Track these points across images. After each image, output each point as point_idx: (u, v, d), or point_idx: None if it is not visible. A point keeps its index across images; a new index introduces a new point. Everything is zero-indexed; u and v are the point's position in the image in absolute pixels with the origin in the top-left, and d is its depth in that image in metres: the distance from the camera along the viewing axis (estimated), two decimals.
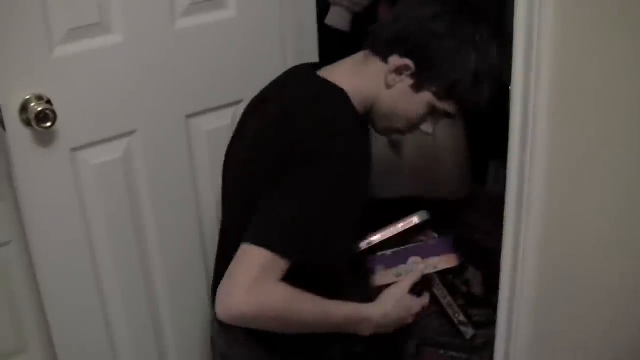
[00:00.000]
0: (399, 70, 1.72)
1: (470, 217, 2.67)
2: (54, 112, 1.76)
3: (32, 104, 1.75)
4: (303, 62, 2.05)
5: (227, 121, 2.13)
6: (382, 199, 2.52)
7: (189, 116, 2.06)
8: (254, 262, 1.56)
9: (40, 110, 1.74)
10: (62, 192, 1.91)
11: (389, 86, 1.74)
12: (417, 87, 1.74)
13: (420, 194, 2.60)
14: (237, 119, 2.08)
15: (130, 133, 1.97)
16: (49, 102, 1.77)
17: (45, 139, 1.83)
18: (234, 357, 1.82)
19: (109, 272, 2.05)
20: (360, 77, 1.76)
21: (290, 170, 1.61)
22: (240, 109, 2.12)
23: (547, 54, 1.47)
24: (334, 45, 2.28)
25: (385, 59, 1.73)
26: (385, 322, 1.78)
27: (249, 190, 1.72)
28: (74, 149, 1.88)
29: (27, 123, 1.77)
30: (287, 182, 1.61)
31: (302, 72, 1.86)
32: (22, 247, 2.02)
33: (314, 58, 2.31)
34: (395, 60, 1.72)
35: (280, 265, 1.57)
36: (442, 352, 2.55)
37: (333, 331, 1.69)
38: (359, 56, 1.78)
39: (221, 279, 1.63)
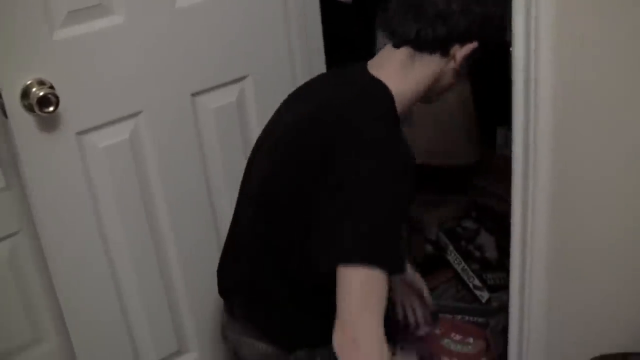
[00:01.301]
0: (466, 57, 1.69)
1: (481, 182, 2.65)
2: (56, 96, 1.73)
3: (34, 89, 1.72)
4: (308, 37, 2.11)
5: (232, 98, 2.11)
6: None
7: (194, 94, 2.03)
8: (353, 284, 1.50)
9: (42, 95, 1.72)
10: (69, 177, 1.89)
11: (452, 72, 1.72)
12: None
13: (432, 161, 2.59)
14: (243, 95, 2.09)
15: (136, 114, 1.94)
16: (51, 86, 1.74)
17: (49, 124, 1.80)
18: (245, 346, 1.81)
19: (121, 255, 2.04)
20: (409, 75, 1.70)
21: (344, 172, 1.54)
22: (246, 84, 2.12)
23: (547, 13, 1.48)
24: (337, 20, 2.26)
25: (445, 53, 1.68)
26: None
27: (293, 186, 1.64)
28: (80, 133, 1.86)
29: (30, 109, 1.74)
30: (347, 189, 1.53)
31: (355, 69, 1.77)
32: (32, 236, 2.00)
33: (317, 33, 2.30)
34: (459, 51, 1.68)
35: (380, 277, 1.51)
36: (459, 317, 2.55)
37: None
38: (403, 55, 1.69)
39: (227, 263, 1.75)
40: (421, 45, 1.67)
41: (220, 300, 2.11)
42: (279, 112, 1.83)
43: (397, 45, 1.70)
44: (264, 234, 1.68)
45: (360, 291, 1.49)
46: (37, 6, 1.71)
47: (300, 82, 2.14)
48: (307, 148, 1.62)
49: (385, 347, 1.51)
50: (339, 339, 1.49)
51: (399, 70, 1.69)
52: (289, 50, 2.19)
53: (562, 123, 1.57)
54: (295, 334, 1.72)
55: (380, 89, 1.66)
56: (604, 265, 1.67)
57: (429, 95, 1.77)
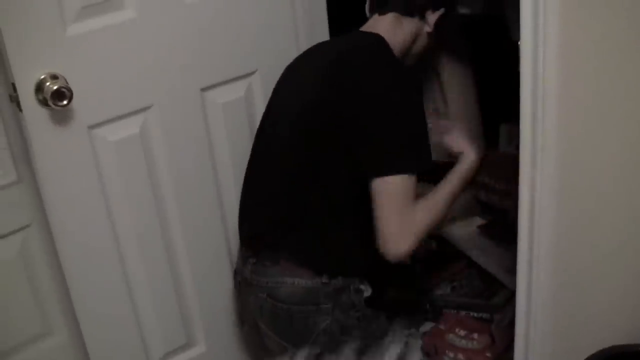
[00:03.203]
0: (436, 21, 2.04)
1: (484, 178, 2.65)
2: (69, 90, 1.76)
3: (48, 83, 1.75)
4: (315, 32, 2.23)
5: (241, 93, 2.13)
6: None
7: (203, 89, 2.05)
8: (393, 194, 1.77)
9: (56, 89, 1.74)
10: (81, 171, 1.90)
11: (426, 34, 2.06)
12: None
13: (436, 157, 2.60)
14: (252, 91, 2.13)
15: (147, 108, 1.96)
16: (64, 80, 1.76)
17: (62, 118, 1.82)
18: (283, 287, 1.87)
19: (130, 249, 2.05)
20: (397, 32, 2.01)
21: (369, 101, 1.81)
22: (254, 79, 2.13)
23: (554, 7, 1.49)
24: (343, 12, 2.29)
25: (422, 17, 2.04)
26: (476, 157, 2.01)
27: (318, 125, 1.86)
28: (91, 127, 1.88)
29: (44, 103, 1.76)
30: (373, 112, 1.79)
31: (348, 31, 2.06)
32: (43, 229, 2.01)
33: (324, 30, 2.34)
34: (431, 15, 2.04)
35: (413, 181, 1.78)
36: (463, 313, 2.56)
37: (460, 193, 1.97)
38: (391, 19, 2.02)
39: (255, 208, 1.96)
40: (407, 10, 2.01)
41: (230, 293, 2.15)
42: (291, 71, 2.04)
43: (384, 12, 2.01)
44: (303, 165, 1.87)
45: (403, 194, 1.77)
46: (51, 2, 1.73)
47: None
48: (337, 85, 1.84)
49: (420, 205, 1.82)
50: (393, 252, 1.78)
51: (390, 29, 1.99)
52: (296, 47, 2.20)
53: (569, 117, 1.57)
54: (337, 261, 1.86)
55: (379, 38, 1.95)
56: (612, 255, 1.67)
57: (409, 53, 2.06)
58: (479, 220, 2.62)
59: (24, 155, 1.90)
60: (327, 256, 1.86)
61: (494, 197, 2.55)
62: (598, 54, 1.50)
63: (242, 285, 2.00)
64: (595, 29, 1.49)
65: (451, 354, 2.45)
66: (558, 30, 1.50)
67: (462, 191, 1.98)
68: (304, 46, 2.21)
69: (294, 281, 1.86)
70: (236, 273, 2.05)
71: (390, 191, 1.77)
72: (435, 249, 2.77)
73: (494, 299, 2.53)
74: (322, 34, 2.34)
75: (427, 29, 2.05)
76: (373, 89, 1.82)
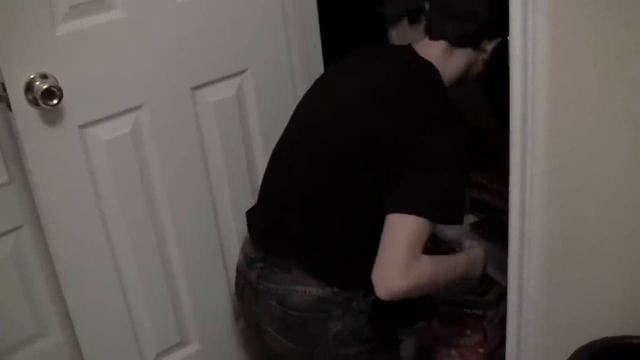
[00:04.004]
0: (494, 49, 1.98)
1: (476, 176, 2.65)
2: (59, 89, 1.76)
3: (37, 83, 1.74)
4: (305, 31, 2.21)
5: (232, 91, 2.13)
6: None
7: (194, 88, 2.05)
8: (405, 230, 1.75)
9: (46, 88, 1.74)
10: (72, 170, 1.90)
11: (482, 62, 2.01)
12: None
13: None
14: (243, 90, 2.13)
15: (138, 107, 1.96)
16: (54, 80, 1.76)
17: (52, 117, 1.82)
18: (295, 294, 1.87)
19: (123, 248, 2.05)
20: (450, 62, 1.96)
21: (416, 137, 1.78)
22: (246, 78, 2.13)
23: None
24: (334, 12, 2.29)
25: (476, 47, 1.97)
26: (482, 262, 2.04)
27: (358, 149, 1.83)
28: (82, 126, 1.88)
29: (34, 102, 1.76)
30: (419, 150, 1.78)
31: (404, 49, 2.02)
32: (35, 230, 2.01)
33: (315, 29, 2.33)
34: (488, 44, 1.97)
35: (428, 228, 1.76)
36: (457, 309, 2.57)
37: (459, 280, 1.97)
38: (442, 47, 1.95)
39: (275, 215, 1.94)
40: (456, 41, 1.94)
41: (223, 291, 2.15)
42: (332, 81, 2.02)
43: (434, 39, 1.96)
44: (331, 180, 1.85)
45: (419, 236, 1.76)
46: (40, 1, 1.73)
47: (299, 76, 2.19)
48: (392, 113, 1.82)
49: (428, 259, 1.80)
50: (388, 290, 1.76)
51: (441, 58, 1.94)
52: (287, 45, 2.21)
53: (558, 111, 1.58)
54: (349, 275, 1.85)
55: (435, 71, 1.92)
56: (602, 247, 1.67)
57: (459, 82, 2.01)
58: (472, 218, 2.63)
59: (15, 155, 1.90)
60: (341, 270, 1.87)
61: (487, 195, 2.56)
62: (588, 51, 1.51)
63: (246, 288, 2.00)
64: (586, 27, 1.50)
65: (444, 351, 2.46)
66: (547, 30, 1.52)
67: (461, 276, 1.98)
68: (295, 45, 2.23)
69: (305, 290, 1.86)
70: (239, 274, 2.04)
71: (410, 229, 1.75)
72: (429, 246, 2.77)
73: (487, 296, 2.53)
74: (313, 33, 2.33)
75: (484, 56, 1.99)
76: (428, 128, 1.80)
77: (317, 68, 2.31)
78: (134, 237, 2.06)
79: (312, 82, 2.05)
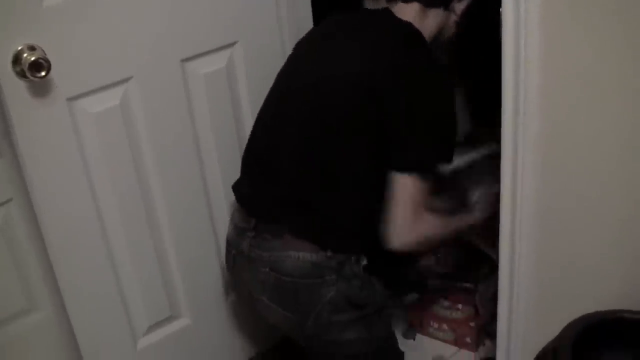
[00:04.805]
0: (463, 10, 2.02)
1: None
2: (47, 61, 1.74)
3: (25, 55, 1.73)
4: (296, 2, 2.24)
5: (222, 64, 2.12)
6: None
7: (184, 60, 2.04)
8: (409, 189, 1.83)
9: (34, 60, 1.72)
10: (61, 143, 1.89)
11: (453, 23, 2.03)
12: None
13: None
14: (233, 62, 2.12)
15: (127, 80, 1.95)
16: (42, 52, 1.74)
17: (40, 90, 1.80)
18: (288, 260, 1.88)
19: (114, 221, 2.04)
20: (423, 23, 1.98)
21: (413, 89, 1.84)
22: (236, 50, 2.12)
23: None
24: None
25: (446, 7, 2.00)
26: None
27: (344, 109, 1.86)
28: (70, 99, 1.86)
29: (21, 74, 1.74)
30: (415, 101, 1.83)
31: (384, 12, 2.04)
32: (25, 204, 2.00)
33: (305, 0, 2.32)
34: (458, 3, 2.01)
35: (429, 182, 1.85)
36: (447, 283, 2.57)
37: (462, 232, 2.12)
38: (415, 9, 1.97)
39: (263, 183, 1.95)
40: (427, 2, 1.96)
41: (214, 265, 2.14)
42: (319, 41, 2.04)
43: (408, 1, 1.97)
44: (322, 140, 1.87)
45: (417, 194, 1.84)
46: None
47: (289, 50, 2.16)
48: (385, 65, 1.85)
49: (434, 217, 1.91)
50: (402, 242, 1.86)
51: (416, 20, 1.96)
52: (277, 17, 2.20)
53: (550, 82, 1.58)
54: (342, 238, 1.88)
55: (416, 30, 1.95)
56: (593, 222, 1.68)
57: (432, 43, 2.01)
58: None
59: (3, 129, 1.88)
60: (334, 233, 1.88)
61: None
62: (581, 21, 1.51)
63: (238, 258, 2.00)
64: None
65: (436, 325, 2.47)
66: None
67: (464, 232, 2.14)
68: (285, 17, 2.22)
69: (298, 255, 1.86)
70: (229, 244, 2.04)
71: (413, 188, 1.84)
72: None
73: (478, 269, 2.54)
74: (304, 6, 2.32)
75: (455, 18, 2.02)
76: (416, 82, 1.85)
77: None
78: (124, 210, 2.05)
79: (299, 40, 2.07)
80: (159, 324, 2.25)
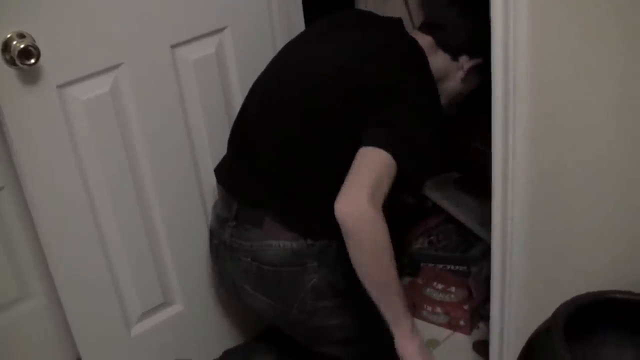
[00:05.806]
0: (470, 70, 1.99)
1: (461, 138, 2.66)
2: (37, 48, 1.73)
3: (14, 42, 1.72)
4: None
5: (212, 49, 2.11)
6: None
7: (173, 46, 2.02)
8: (374, 161, 1.75)
9: (23, 47, 1.71)
10: (52, 131, 1.88)
11: (459, 79, 2.01)
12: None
13: None
14: (223, 47, 2.11)
15: (117, 66, 1.94)
16: (31, 39, 1.74)
17: (30, 77, 1.79)
18: (269, 249, 1.88)
19: (105, 208, 2.04)
20: (431, 59, 1.95)
21: (408, 87, 1.83)
22: (225, 36, 2.11)
23: None
24: None
25: (455, 58, 1.99)
26: (412, 348, 1.88)
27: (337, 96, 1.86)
28: (60, 86, 1.85)
29: (11, 62, 1.73)
30: (407, 98, 1.82)
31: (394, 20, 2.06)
32: (16, 192, 2.00)
33: None
34: (466, 62, 1.99)
35: (394, 170, 1.76)
36: (440, 266, 2.58)
37: (384, 303, 1.84)
38: (428, 41, 1.98)
39: (246, 170, 1.93)
40: (439, 42, 1.97)
41: (207, 253, 2.17)
42: (311, 36, 2.06)
43: (425, 32, 2.00)
44: (302, 136, 1.87)
45: (383, 169, 1.75)
46: None
47: (278, 35, 2.18)
48: (364, 79, 1.84)
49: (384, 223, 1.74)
50: (350, 207, 1.72)
51: (426, 50, 1.94)
52: (267, 2, 2.18)
53: (541, 65, 1.58)
54: (323, 224, 1.80)
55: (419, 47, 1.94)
56: (585, 203, 1.69)
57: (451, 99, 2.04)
58: (456, 175, 2.63)
59: None
60: (313, 220, 1.87)
61: (471, 155, 2.56)
62: (569, 5, 1.51)
63: (220, 248, 2.00)
64: None
65: (429, 308, 2.48)
66: None
67: (390, 301, 1.85)
68: (274, 2, 2.19)
69: (279, 244, 1.87)
70: (212, 235, 2.05)
71: (380, 163, 1.76)
72: (412, 203, 2.78)
73: (471, 251, 2.55)
74: None
75: (461, 75, 2.00)
76: (406, 79, 1.84)
77: (298, 25, 2.28)
78: (116, 197, 2.05)
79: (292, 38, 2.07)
80: (152, 311, 2.25)
